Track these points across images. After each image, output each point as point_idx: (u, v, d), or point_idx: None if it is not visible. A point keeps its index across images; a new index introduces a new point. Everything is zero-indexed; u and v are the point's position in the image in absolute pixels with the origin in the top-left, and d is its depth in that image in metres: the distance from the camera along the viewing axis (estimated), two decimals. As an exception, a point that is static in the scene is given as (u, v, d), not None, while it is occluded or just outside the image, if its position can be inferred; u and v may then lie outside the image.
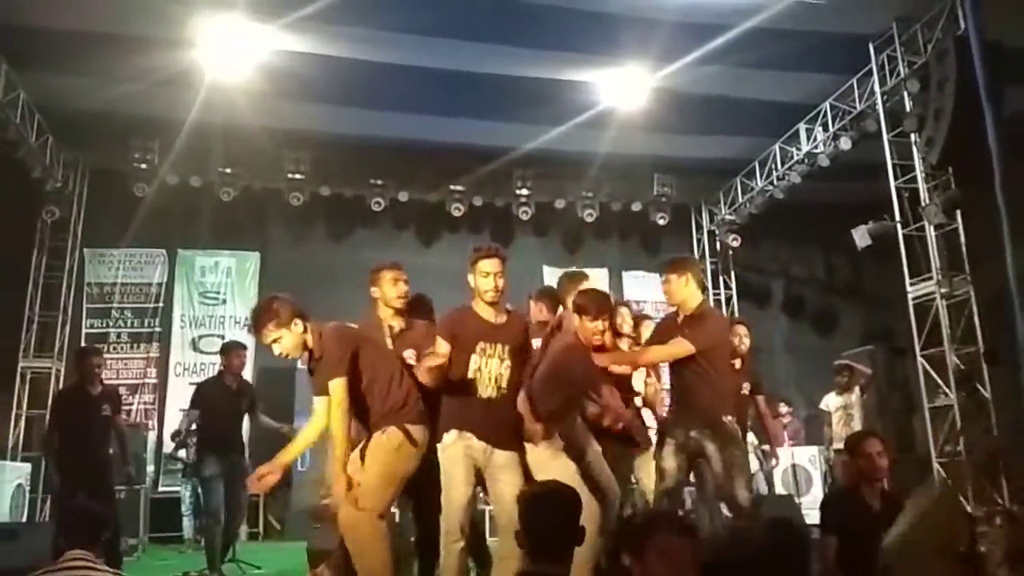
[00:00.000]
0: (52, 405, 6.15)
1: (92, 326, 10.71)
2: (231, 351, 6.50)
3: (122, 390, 10.42)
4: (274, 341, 3.73)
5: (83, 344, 10.34)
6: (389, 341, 4.30)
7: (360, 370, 3.76)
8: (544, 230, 12.22)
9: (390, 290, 4.39)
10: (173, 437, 9.11)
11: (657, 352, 4.45)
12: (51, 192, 9.97)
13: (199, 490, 6.67)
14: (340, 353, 3.69)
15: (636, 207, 11.88)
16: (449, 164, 10.94)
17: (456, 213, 11.30)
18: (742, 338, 5.92)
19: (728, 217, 12.07)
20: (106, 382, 10.19)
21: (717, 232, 12.52)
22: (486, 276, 3.90)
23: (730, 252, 12.54)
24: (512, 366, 3.89)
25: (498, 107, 9.44)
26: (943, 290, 8.08)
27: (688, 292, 4.51)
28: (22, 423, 9.79)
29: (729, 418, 4.36)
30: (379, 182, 11.05)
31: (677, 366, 4.42)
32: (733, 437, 4.34)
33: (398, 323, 4.42)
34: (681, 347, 4.31)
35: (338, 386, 3.64)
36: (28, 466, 8.58)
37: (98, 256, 10.91)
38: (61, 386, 9.54)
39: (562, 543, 2.47)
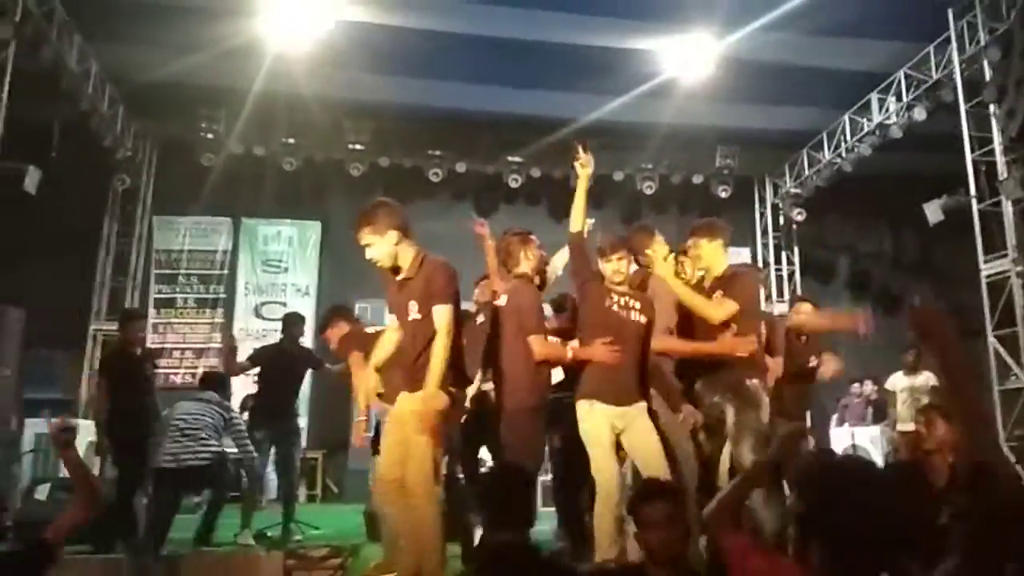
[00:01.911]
0: (104, 367, 6.30)
1: (160, 291, 11.06)
2: (292, 323, 6.70)
3: (188, 354, 10.86)
4: (367, 245, 3.80)
5: (152, 309, 10.75)
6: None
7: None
8: (601, 202, 12.00)
9: (535, 256, 4.38)
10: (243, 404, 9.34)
11: (726, 308, 4.26)
12: (122, 161, 10.28)
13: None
14: (453, 284, 3.77)
15: (697, 180, 11.67)
16: (507, 135, 10.91)
17: (513, 184, 11.28)
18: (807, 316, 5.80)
19: (793, 190, 11.76)
20: (173, 345, 10.73)
21: (781, 206, 12.22)
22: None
23: (794, 226, 12.24)
24: None
25: (558, 77, 9.34)
26: (1019, 268, 7.77)
27: (720, 257, 4.46)
28: (93, 383, 10.18)
29: (754, 381, 4.30)
30: (437, 153, 11.08)
31: (704, 329, 4.34)
32: (752, 400, 4.26)
33: None
34: (732, 306, 4.23)
35: (446, 312, 3.68)
36: (100, 424, 8.94)
37: (166, 223, 11.23)
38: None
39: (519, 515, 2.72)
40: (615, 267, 4.17)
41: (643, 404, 4.14)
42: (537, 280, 4.53)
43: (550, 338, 4.42)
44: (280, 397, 6.41)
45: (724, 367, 4.30)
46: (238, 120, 10.12)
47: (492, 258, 5.18)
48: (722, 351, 4.21)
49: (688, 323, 4.42)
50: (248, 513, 6.24)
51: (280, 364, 6.40)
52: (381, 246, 3.76)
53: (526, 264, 4.34)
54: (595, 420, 4.03)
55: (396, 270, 3.85)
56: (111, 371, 6.13)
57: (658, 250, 4.49)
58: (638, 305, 4.21)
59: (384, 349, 4.04)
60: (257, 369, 6.67)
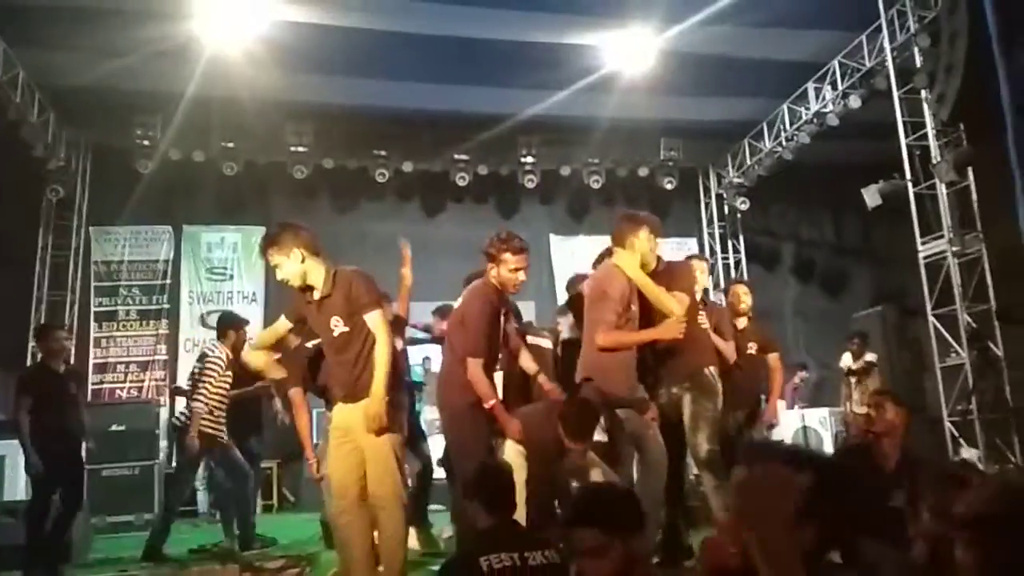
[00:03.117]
0: (19, 386, 5.83)
1: (101, 304, 10.74)
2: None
3: (133, 367, 10.58)
4: (275, 266, 3.84)
5: (93, 323, 10.44)
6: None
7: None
8: (550, 198, 12.15)
9: (508, 275, 4.14)
10: None
11: (683, 302, 4.29)
12: (54, 171, 9.93)
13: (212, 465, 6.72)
14: (373, 290, 3.82)
15: (643, 172, 11.77)
16: (453, 133, 10.85)
17: (460, 182, 11.22)
18: (741, 297, 5.81)
19: (736, 180, 11.95)
20: (116, 359, 10.43)
21: (725, 195, 12.41)
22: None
23: (738, 215, 12.45)
24: None
25: (501, 73, 9.32)
26: (954, 248, 7.99)
27: (653, 250, 4.48)
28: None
29: (710, 369, 4.36)
30: (382, 153, 10.96)
31: (652, 320, 4.35)
32: (708, 389, 4.37)
33: None
34: (686, 299, 4.30)
35: (379, 317, 3.75)
36: (42, 444, 8.65)
37: (104, 234, 10.91)
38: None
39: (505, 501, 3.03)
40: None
41: None
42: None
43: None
44: (240, 413, 6.33)
45: (682, 357, 4.37)
46: (174, 125, 9.86)
47: (405, 285, 5.51)
48: (660, 336, 4.25)
49: (647, 315, 4.41)
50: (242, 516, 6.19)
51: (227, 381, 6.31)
52: (288, 266, 3.79)
53: (493, 274, 4.18)
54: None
55: (308, 289, 3.86)
56: (30, 389, 5.77)
57: (638, 244, 4.37)
58: None
59: (262, 339, 4.36)
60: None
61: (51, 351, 5.97)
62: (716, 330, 5.00)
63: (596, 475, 4.13)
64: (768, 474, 1.58)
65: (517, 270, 4.10)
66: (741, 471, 1.71)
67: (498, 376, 4.33)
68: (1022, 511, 1.25)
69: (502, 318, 4.22)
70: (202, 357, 6.18)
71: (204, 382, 5.98)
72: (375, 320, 3.73)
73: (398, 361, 4.04)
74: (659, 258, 4.58)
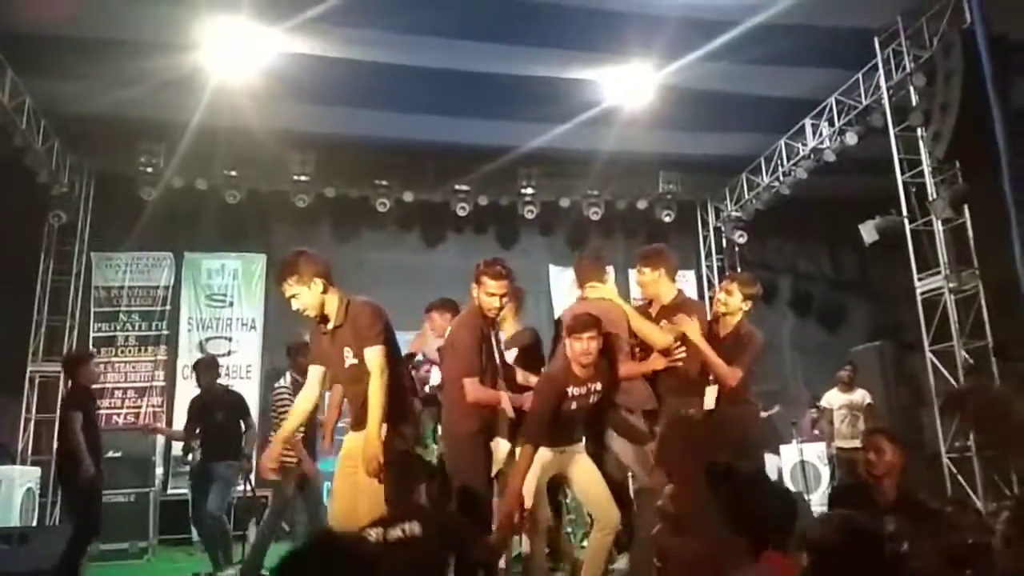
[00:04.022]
0: (69, 402, 6.03)
1: (100, 329, 10.72)
2: (202, 371, 7.00)
3: (131, 393, 10.55)
4: (292, 296, 3.76)
5: (91, 348, 10.42)
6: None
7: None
8: (549, 229, 12.21)
9: (485, 299, 4.19)
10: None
11: (669, 337, 4.38)
12: (58, 197, 9.97)
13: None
14: (378, 324, 3.73)
15: (642, 205, 11.86)
16: (453, 164, 10.93)
17: (461, 213, 11.28)
18: (724, 295, 4.75)
19: (734, 214, 12.03)
20: (114, 385, 10.43)
21: (723, 229, 12.48)
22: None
23: (736, 249, 12.49)
24: None
25: (503, 106, 9.43)
26: (951, 284, 8.05)
27: (662, 287, 4.57)
28: (31, 428, 9.82)
29: (689, 412, 4.33)
30: (384, 183, 11.03)
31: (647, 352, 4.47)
32: None
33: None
34: (676, 332, 4.38)
35: (379, 353, 3.67)
36: (38, 470, 8.62)
37: (105, 260, 10.93)
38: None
39: None
40: (584, 347, 3.99)
41: (580, 445, 4.30)
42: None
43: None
44: (217, 442, 6.40)
45: (666, 397, 4.40)
46: (178, 153, 9.92)
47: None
48: (645, 369, 4.40)
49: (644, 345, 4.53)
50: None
51: (211, 414, 6.50)
52: (308, 296, 3.74)
53: (475, 295, 4.28)
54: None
55: (323, 319, 3.83)
56: (79, 406, 5.88)
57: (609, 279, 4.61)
58: (598, 386, 4.15)
59: (297, 417, 4.05)
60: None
61: (90, 375, 6.14)
62: (731, 358, 4.50)
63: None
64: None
65: (493, 295, 4.16)
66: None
67: None
68: (851, 543, 1.63)
69: (492, 341, 4.28)
70: (273, 390, 6.31)
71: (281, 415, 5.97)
72: (372, 356, 3.68)
73: (406, 395, 4.03)
74: (679, 291, 4.69)
